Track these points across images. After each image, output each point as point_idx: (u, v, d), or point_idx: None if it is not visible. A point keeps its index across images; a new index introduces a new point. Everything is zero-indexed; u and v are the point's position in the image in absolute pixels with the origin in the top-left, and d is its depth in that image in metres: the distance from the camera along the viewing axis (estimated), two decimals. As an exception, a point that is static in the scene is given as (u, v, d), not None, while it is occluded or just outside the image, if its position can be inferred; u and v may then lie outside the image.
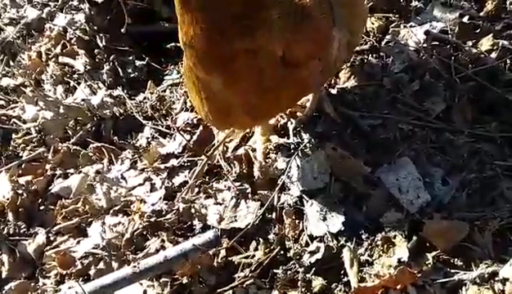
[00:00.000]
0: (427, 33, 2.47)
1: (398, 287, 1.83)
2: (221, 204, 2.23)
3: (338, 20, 1.91)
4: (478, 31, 2.47)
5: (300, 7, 1.78)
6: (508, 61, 2.34)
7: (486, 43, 2.41)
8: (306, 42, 1.82)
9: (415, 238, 1.92)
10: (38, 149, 2.81)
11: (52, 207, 2.54)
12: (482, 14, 2.54)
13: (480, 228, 1.90)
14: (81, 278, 2.22)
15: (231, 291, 2.03)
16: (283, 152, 2.28)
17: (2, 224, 2.52)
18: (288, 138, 2.32)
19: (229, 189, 2.27)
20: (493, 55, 2.37)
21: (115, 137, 2.71)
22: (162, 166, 2.49)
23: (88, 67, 3.08)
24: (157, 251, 2.17)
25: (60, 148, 2.74)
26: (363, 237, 1.99)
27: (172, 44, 2.93)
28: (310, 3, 1.79)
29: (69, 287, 2.17)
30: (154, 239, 2.24)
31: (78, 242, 2.36)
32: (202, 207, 2.24)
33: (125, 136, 2.72)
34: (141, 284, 2.12)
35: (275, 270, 2.03)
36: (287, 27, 1.73)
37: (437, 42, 2.47)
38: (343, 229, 2.01)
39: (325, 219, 2.05)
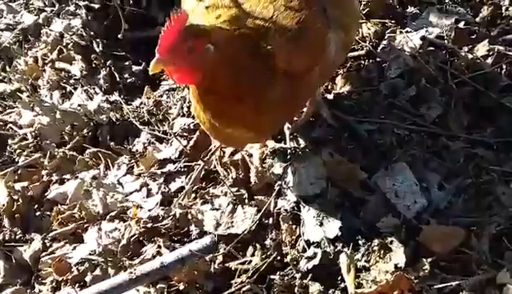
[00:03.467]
0: (423, 38, 2.48)
1: (395, 292, 1.82)
2: (217, 210, 2.23)
3: (332, 22, 1.93)
4: (474, 37, 2.48)
5: (295, 21, 1.80)
6: (504, 67, 2.35)
7: (482, 49, 2.41)
8: (304, 54, 1.86)
9: (411, 243, 1.93)
10: (34, 154, 2.80)
11: (48, 212, 2.54)
12: (477, 19, 2.55)
13: (477, 233, 1.90)
14: (77, 285, 2.21)
15: (228, 297, 2.03)
16: (279, 157, 2.28)
17: (-2, 231, 2.51)
18: (284, 143, 2.31)
19: (226, 194, 2.27)
20: (489, 60, 2.38)
21: (112, 142, 2.70)
22: (158, 171, 2.49)
23: (85, 72, 3.08)
24: (153, 256, 2.17)
25: (56, 153, 2.73)
26: (360, 242, 1.99)
27: (169, 49, 2.92)
28: (304, 16, 1.82)
29: (66, 294, 2.17)
30: (150, 245, 2.23)
31: (75, 248, 2.36)
32: (199, 212, 2.24)
33: (122, 142, 2.72)
34: (138, 290, 2.11)
35: (272, 276, 2.03)
36: (285, 42, 1.78)
37: (433, 48, 2.48)
38: (339, 234, 2.01)
39: (321, 224, 2.05)
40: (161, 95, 2.86)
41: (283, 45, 1.78)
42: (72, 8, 3.30)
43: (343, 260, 1.95)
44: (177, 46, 1.58)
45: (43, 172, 2.71)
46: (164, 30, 1.57)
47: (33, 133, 2.87)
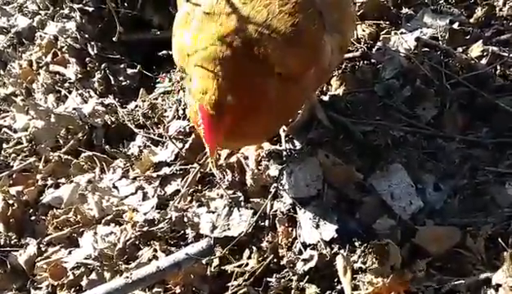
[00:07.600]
0: (417, 39, 2.49)
1: (392, 294, 1.83)
2: (214, 212, 2.22)
3: (328, 26, 1.93)
4: (468, 37, 2.49)
5: (290, 24, 1.81)
6: (498, 67, 2.36)
7: (476, 49, 2.42)
8: (299, 56, 1.86)
9: (407, 244, 1.93)
10: (28, 158, 2.79)
11: (43, 217, 2.52)
12: (472, 20, 2.56)
13: (472, 234, 1.90)
14: (73, 289, 2.21)
15: (224, 301, 2.02)
16: (275, 159, 2.28)
17: (-7, 235, 2.50)
18: (280, 145, 2.31)
19: (222, 197, 2.26)
20: (483, 61, 2.39)
21: (107, 146, 2.70)
22: (154, 174, 2.48)
23: (79, 75, 3.07)
24: (149, 260, 2.16)
25: (51, 157, 2.72)
26: (356, 244, 1.98)
27: (164, 52, 2.93)
28: (299, 17, 1.82)
29: (61, 299, 2.15)
30: (146, 249, 2.22)
31: (70, 253, 2.35)
32: (195, 215, 2.23)
33: (117, 145, 2.71)
34: (134, 294, 2.10)
35: (268, 279, 2.02)
36: (280, 44, 1.79)
37: (427, 49, 2.48)
38: (336, 236, 2.01)
39: (318, 226, 2.05)
40: (156, 98, 2.85)
41: (277, 48, 1.79)
42: (66, 11, 3.30)
43: (339, 262, 1.94)
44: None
45: (38, 176, 2.70)
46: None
47: (28, 137, 2.86)
